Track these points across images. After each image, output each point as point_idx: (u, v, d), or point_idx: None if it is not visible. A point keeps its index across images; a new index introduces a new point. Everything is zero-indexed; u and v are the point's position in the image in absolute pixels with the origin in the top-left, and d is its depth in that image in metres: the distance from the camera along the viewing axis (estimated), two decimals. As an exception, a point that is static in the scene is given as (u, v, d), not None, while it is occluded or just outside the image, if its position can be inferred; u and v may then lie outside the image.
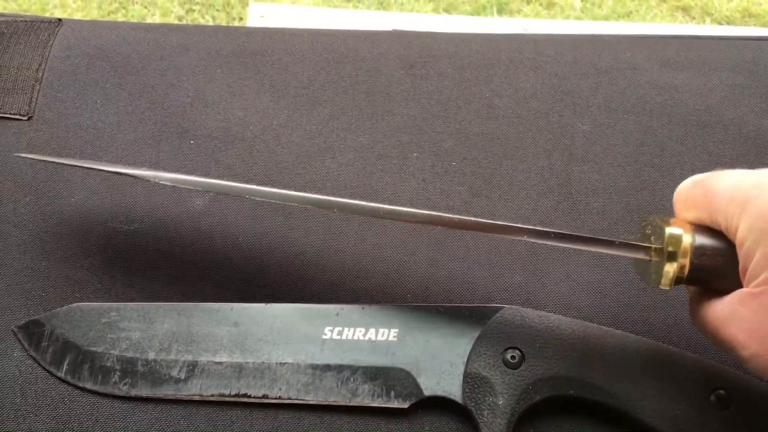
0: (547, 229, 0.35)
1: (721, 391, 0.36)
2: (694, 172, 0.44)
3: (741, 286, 0.32)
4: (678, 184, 0.44)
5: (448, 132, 0.46)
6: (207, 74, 0.48)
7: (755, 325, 0.31)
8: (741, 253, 0.32)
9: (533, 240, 0.35)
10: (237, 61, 0.49)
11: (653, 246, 0.34)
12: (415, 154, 0.46)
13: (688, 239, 0.33)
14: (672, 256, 0.33)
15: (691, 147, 0.46)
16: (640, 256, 0.35)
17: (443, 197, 0.44)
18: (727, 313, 0.32)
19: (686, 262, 0.33)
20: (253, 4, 1.05)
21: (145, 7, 1.33)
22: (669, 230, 0.33)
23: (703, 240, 0.33)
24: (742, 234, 0.31)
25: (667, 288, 0.34)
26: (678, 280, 0.34)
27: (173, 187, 0.44)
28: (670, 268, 0.33)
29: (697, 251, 0.33)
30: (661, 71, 0.48)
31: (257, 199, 0.37)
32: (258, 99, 0.47)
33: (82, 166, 0.40)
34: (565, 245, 0.36)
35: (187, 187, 0.40)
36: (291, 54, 0.49)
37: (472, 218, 0.36)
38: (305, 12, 1.05)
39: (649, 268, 0.35)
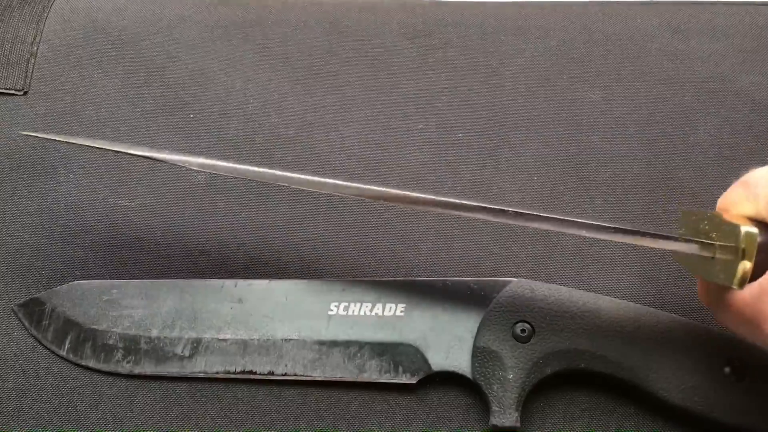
0: (605, 224, 0.33)
1: (736, 363, 0.35)
2: (707, 140, 0.44)
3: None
4: (689, 152, 0.43)
5: (455, 103, 0.45)
6: (206, 46, 0.47)
7: None
8: None
9: (591, 235, 0.33)
10: (236, 33, 0.47)
11: (717, 243, 0.33)
12: (420, 126, 0.45)
13: (761, 238, 0.32)
14: (747, 255, 0.32)
15: (703, 115, 0.44)
16: (704, 253, 0.33)
17: (449, 170, 0.43)
18: (757, 292, 0.31)
19: (758, 259, 0.32)
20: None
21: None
22: (744, 229, 0.32)
23: (764, 235, 0.32)
24: None
25: (738, 288, 0.32)
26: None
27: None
28: (745, 267, 0.32)
29: (761, 247, 0.32)
30: (672, 38, 0.47)
31: (294, 186, 0.34)
32: (258, 71, 0.46)
33: (92, 146, 0.38)
34: (622, 240, 0.33)
35: (215, 173, 0.36)
36: (291, 24, 0.48)
37: (522, 210, 0.33)
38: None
39: (711, 266, 0.33)
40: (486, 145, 0.44)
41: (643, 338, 0.36)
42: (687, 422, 0.36)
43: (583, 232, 0.33)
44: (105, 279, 0.40)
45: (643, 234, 0.33)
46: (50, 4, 0.48)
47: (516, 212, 0.33)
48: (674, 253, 0.35)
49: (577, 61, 0.46)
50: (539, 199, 0.42)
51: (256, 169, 0.34)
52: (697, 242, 0.33)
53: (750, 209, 0.33)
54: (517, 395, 0.35)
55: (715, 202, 0.34)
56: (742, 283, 0.32)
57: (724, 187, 0.34)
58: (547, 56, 0.47)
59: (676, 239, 0.33)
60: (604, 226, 0.33)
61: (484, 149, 0.44)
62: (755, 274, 0.32)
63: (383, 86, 0.46)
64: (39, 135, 0.41)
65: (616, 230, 0.33)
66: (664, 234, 0.33)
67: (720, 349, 0.36)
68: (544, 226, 0.33)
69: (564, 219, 0.33)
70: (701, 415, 0.35)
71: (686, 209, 0.38)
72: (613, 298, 0.38)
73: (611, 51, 0.47)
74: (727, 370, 0.35)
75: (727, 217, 0.33)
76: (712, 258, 0.33)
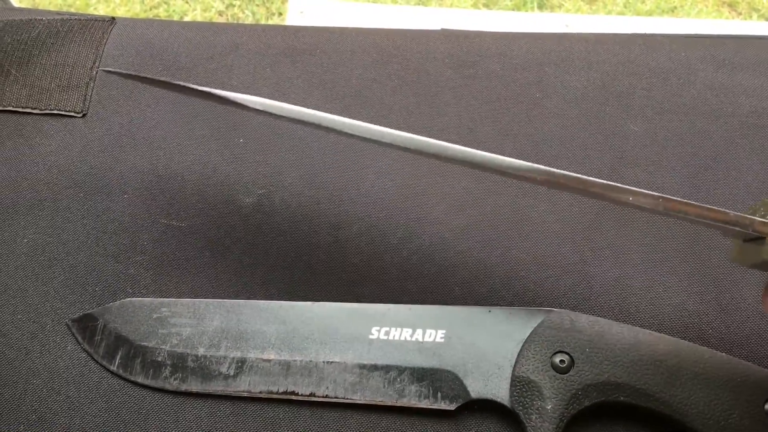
0: (657, 194, 0.32)
1: (777, 401, 0.35)
2: (749, 175, 0.44)
3: None
4: (732, 187, 0.43)
5: (497, 132, 0.46)
6: (256, 73, 0.48)
7: None
8: None
9: (640, 204, 0.32)
10: (286, 60, 0.49)
11: None
12: (462, 155, 0.45)
13: None
14: None
15: (747, 149, 0.45)
16: (755, 230, 0.32)
17: (492, 197, 0.44)
18: None
19: None
20: (293, -1, 1.05)
21: (187, 2, 1.34)
22: None
23: None
24: None
25: None
26: None
27: (224, 185, 0.44)
28: None
29: None
30: (717, 72, 0.47)
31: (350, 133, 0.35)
32: (307, 98, 0.48)
33: (172, 83, 0.39)
34: (674, 214, 0.32)
35: (279, 114, 0.36)
36: (339, 53, 0.49)
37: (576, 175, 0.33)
38: (344, 7, 1.05)
39: (762, 248, 0.32)
40: (528, 174, 0.45)
41: (682, 373, 0.36)
42: (726, 459, 0.36)
43: (630, 198, 0.32)
44: (155, 297, 0.41)
45: (697, 207, 0.32)
46: (109, 30, 0.50)
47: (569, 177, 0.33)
48: (731, 239, 0.34)
49: (620, 94, 0.47)
50: (579, 229, 0.43)
51: (320, 114, 0.35)
52: (748, 218, 0.32)
53: None
54: (555, 426, 0.36)
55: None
56: None
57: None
58: (590, 88, 0.47)
59: (727, 213, 0.32)
60: (655, 195, 0.32)
61: (526, 179, 0.45)
62: None
63: (427, 115, 0.47)
64: (122, 72, 0.43)
65: (665, 200, 0.32)
66: (720, 209, 0.32)
67: (760, 386, 0.36)
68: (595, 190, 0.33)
69: (613, 185, 0.32)
70: (740, 453, 0.35)
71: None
72: (653, 332, 0.38)
73: (654, 84, 0.47)
74: (767, 407, 0.35)
75: None
76: (765, 238, 0.32)
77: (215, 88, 0.47)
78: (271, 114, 0.36)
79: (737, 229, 0.32)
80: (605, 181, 0.32)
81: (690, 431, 0.36)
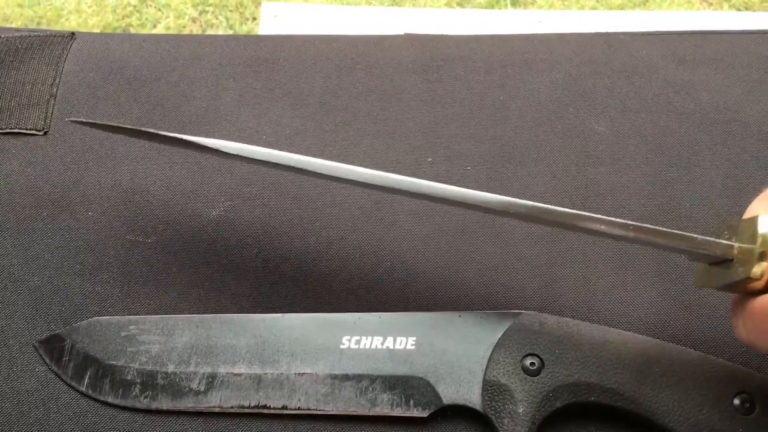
0: (626, 222, 0.33)
1: (745, 395, 0.36)
2: (713, 171, 0.44)
3: None
4: (695, 183, 0.44)
5: (463, 136, 0.46)
6: (219, 84, 0.48)
7: None
8: None
9: (611, 232, 0.33)
10: (249, 70, 0.49)
11: (737, 244, 0.33)
12: (429, 159, 0.45)
13: None
14: (763, 256, 0.32)
15: (710, 146, 0.45)
16: (723, 253, 0.33)
17: (458, 202, 0.44)
18: None
19: None
20: (266, 3, 1.05)
21: (159, 10, 1.33)
22: (762, 230, 0.32)
23: None
24: None
25: (757, 277, 0.32)
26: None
27: (189, 198, 0.44)
28: (761, 269, 0.32)
29: None
30: (678, 69, 0.48)
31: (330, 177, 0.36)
32: (270, 107, 0.47)
33: (141, 130, 0.39)
34: (636, 238, 0.33)
35: (252, 157, 0.37)
36: (302, 61, 0.49)
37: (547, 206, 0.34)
38: (318, 10, 1.05)
39: (731, 268, 0.33)
40: (494, 177, 0.45)
41: (652, 371, 0.36)
42: (697, 454, 0.36)
43: (601, 227, 0.33)
44: (123, 315, 0.41)
45: (665, 234, 0.33)
46: (69, 45, 0.49)
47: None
48: (696, 262, 0.35)
49: (583, 94, 0.47)
50: (545, 231, 0.43)
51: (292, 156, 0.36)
52: (714, 242, 0.33)
53: None
54: (527, 429, 0.36)
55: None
56: (761, 275, 0.31)
57: (730, 218, 0.34)
58: (553, 89, 0.47)
59: (694, 239, 0.33)
60: (625, 223, 0.33)
61: (493, 182, 0.45)
62: None
63: (392, 120, 0.47)
64: (85, 121, 0.42)
65: (635, 229, 0.33)
66: (687, 234, 0.33)
67: (729, 381, 0.36)
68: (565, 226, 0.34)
69: (582, 215, 0.33)
70: (711, 448, 0.35)
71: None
72: (622, 331, 0.38)
73: (617, 83, 0.47)
74: (736, 402, 0.36)
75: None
76: (732, 260, 0.33)
77: (179, 100, 0.47)
78: (246, 159, 0.37)
79: (704, 252, 0.33)
80: (582, 213, 0.33)
81: (661, 428, 0.36)
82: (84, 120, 0.43)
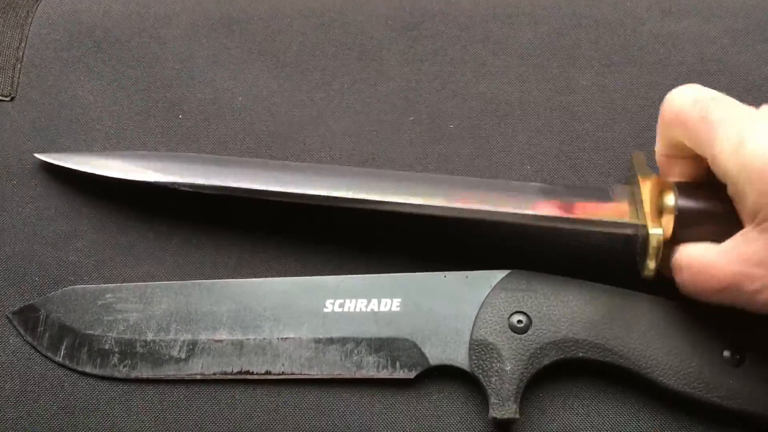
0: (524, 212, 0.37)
1: (734, 347, 0.35)
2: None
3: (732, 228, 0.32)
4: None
5: (445, 93, 0.45)
6: (192, 45, 0.46)
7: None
8: (735, 190, 0.32)
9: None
10: (222, 29, 0.47)
11: (639, 223, 0.36)
12: (411, 118, 0.44)
13: (671, 201, 0.34)
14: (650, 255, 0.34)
15: (696, 98, 0.44)
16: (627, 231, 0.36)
17: (442, 161, 0.43)
18: (731, 254, 0.32)
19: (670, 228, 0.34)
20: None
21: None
22: (652, 231, 0.34)
23: (687, 200, 0.34)
24: (736, 173, 0.31)
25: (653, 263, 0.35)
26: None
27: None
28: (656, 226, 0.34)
29: (683, 210, 0.34)
30: (663, 20, 0.47)
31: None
32: (246, 68, 0.46)
33: (107, 176, 0.40)
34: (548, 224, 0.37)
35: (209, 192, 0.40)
36: (278, 19, 0.47)
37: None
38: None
39: (642, 243, 0.36)
40: (478, 135, 0.44)
41: (640, 325, 0.36)
42: (687, 407, 0.36)
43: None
44: (98, 284, 0.40)
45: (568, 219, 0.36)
46: (34, 8, 0.47)
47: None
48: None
49: (567, 48, 0.46)
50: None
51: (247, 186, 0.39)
52: (620, 224, 0.36)
53: (693, 141, 0.33)
54: (515, 387, 0.35)
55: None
56: (663, 231, 0.34)
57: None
58: (537, 44, 0.46)
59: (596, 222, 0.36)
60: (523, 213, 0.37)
61: (477, 139, 0.44)
62: (707, 236, 0.33)
63: (372, 79, 0.46)
64: (54, 162, 0.41)
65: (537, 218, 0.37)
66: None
67: (718, 332, 0.36)
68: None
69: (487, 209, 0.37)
70: (700, 400, 0.35)
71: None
72: (610, 286, 0.37)
73: (601, 36, 0.46)
74: (726, 353, 0.35)
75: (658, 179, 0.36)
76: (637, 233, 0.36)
77: (150, 61, 0.46)
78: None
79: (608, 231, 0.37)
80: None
81: (650, 382, 0.35)
82: (56, 163, 0.42)
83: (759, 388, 0.35)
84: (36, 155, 0.42)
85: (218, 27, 0.47)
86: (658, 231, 0.34)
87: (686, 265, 0.34)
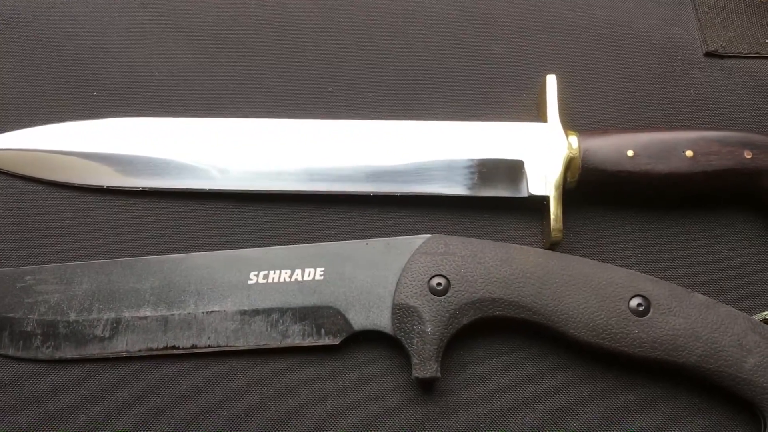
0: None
1: (639, 298, 0.37)
2: (608, 85, 0.45)
3: None
4: (592, 98, 0.44)
5: (363, 63, 0.45)
6: (104, 21, 0.45)
7: None
8: None
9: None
10: (135, 4, 0.46)
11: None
12: (329, 89, 0.45)
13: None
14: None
15: (603, 60, 0.46)
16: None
17: (361, 131, 0.43)
18: None
19: None
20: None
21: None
22: None
23: None
24: None
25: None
26: None
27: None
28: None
29: None
30: (572, -13, 0.48)
31: None
32: (161, 43, 0.45)
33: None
34: None
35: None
36: (192, -7, 0.47)
37: None
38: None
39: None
40: (396, 104, 0.44)
41: (553, 282, 0.37)
42: (598, 357, 0.38)
43: None
44: (17, 266, 0.39)
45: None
46: (-66, -15, 0.46)
47: None
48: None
49: (480, 16, 0.47)
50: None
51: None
52: None
53: None
54: (436, 347, 0.36)
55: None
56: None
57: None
58: (452, 13, 0.47)
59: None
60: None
61: (395, 108, 0.44)
62: None
63: (289, 51, 0.46)
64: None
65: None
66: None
67: (625, 285, 0.37)
68: None
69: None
70: (609, 350, 0.37)
71: None
72: (525, 246, 0.39)
73: (513, 3, 0.47)
74: (632, 304, 0.37)
75: None
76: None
77: (61, 39, 0.45)
78: None
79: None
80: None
81: (563, 335, 0.37)
82: None
83: (662, 336, 0.37)
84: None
85: (131, 2, 0.46)
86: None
87: None
